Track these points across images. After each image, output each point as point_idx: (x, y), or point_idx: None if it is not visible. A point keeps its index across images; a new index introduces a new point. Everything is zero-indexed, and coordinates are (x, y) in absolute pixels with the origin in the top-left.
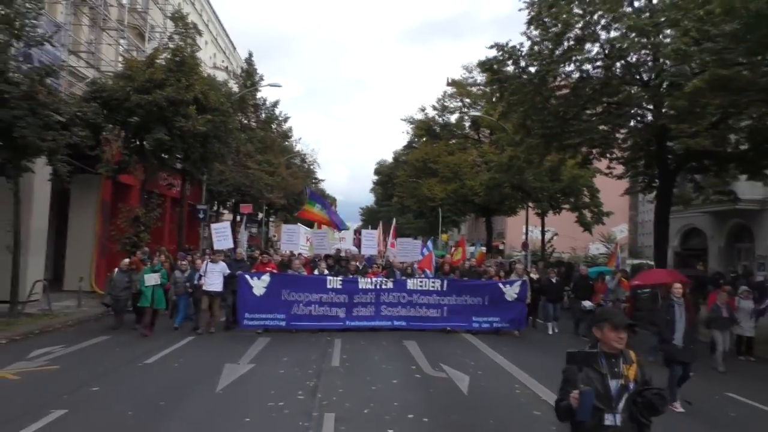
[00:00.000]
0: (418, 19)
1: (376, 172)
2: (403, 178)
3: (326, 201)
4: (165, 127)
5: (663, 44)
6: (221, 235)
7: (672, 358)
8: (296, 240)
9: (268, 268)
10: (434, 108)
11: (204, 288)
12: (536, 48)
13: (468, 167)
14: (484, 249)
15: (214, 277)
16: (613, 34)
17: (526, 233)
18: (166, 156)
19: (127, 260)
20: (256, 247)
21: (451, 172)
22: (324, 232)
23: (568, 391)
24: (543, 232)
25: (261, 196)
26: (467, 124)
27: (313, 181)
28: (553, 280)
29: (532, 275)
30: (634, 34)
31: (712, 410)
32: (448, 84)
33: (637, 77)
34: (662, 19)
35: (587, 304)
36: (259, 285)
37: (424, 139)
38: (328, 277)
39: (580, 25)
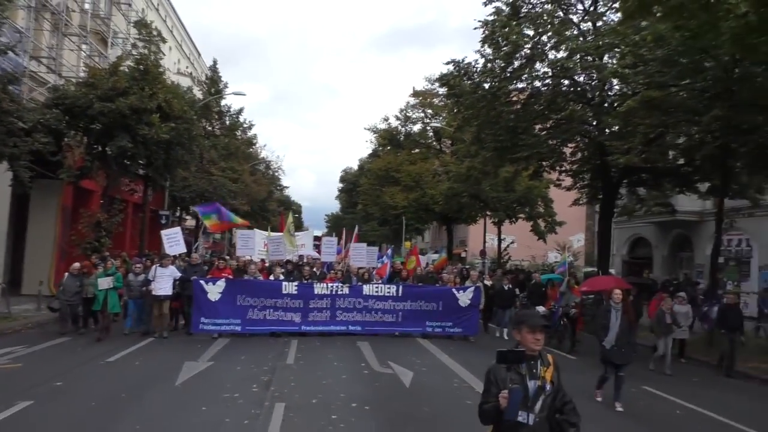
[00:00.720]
0: (386, 26)
1: (342, 179)
2: (366, 186)
3: (214, 206)
4: (128, 134)
5: (604, 66)
6: (172, 240)
7: (605, 360)
8: (252, 245)
9: (223, 274)
10: (397, 118)
11: (153, 293)
12: (489, 65)
13: (429, 176)
14: (445, 255)
15: (163, 281)
16: (560, 54)
17: (484, 241)
18: (129, 162)
19: (77, 264)
20: (219, 252)
21: (413, 181)
22: (280, 238)
23: (493, 393)
24: (499, 241)
25: (224, 202)
26: (430, 134)
27: (278, 187)
28: (506, 287)
29: (486, 282)
30: (578, 56)
31: (633, 406)
32: (411, 95)
33: (582, 96)
34: (601, 43)
35: (541, 309)
36: (214, 290)
37: (388, 148)
38: (284, 283)
39: (529, 45)
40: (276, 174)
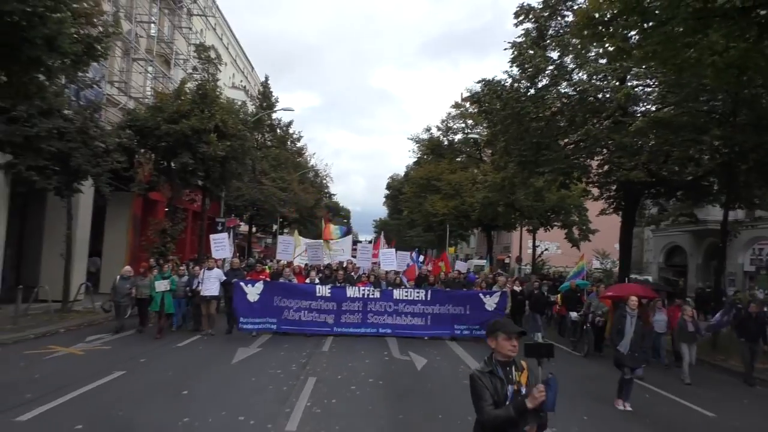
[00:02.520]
0: (439, 31)
1: (388, 186)
2: (409, 193)
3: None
4: (189, 151)
5: (618, 88)
6: (219, 244)
7: (619, 363)
8: (290, 251)
9: (261, 276)
10: (438, 128)
11: (202, 293)
12: (515, 85)
13: (469, 185)
14: (477, 262)
15: (210, 283)
16: (582, 75)
17: (520, 248)
18: (190, 176)
19: (128, 268)
20: (265, 257)
21: (453, 190)
22: (319, 244)
23: (488, 397)
24: (534, 247)
25: (274, 210)
26: (471, 142)
27: (326, 195)
28: (536, 292)
29: (515, 287)
30: (595, 77)
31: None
32: (452, 106)
33: (598, 114)
34: (618, 66)
35: (573, 315)
36: (253, 291)
37: (430, 157)
38: (318, 286)
39: (551, 67)
40: (324, 182)
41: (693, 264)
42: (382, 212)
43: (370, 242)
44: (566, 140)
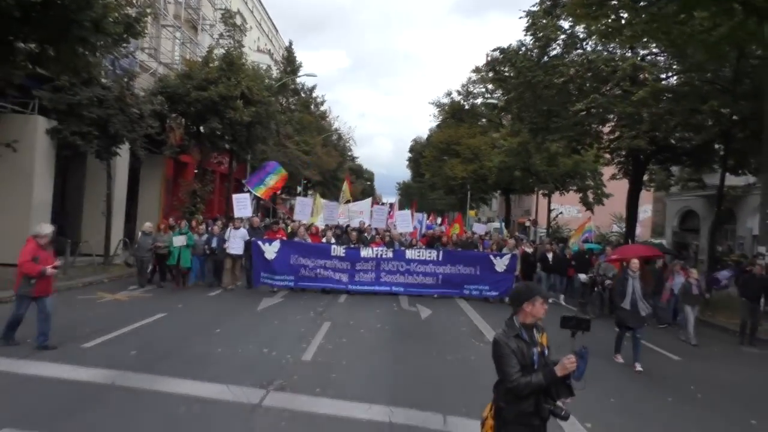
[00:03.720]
0: None
1: (411, 149)
2: (429, 157)
3: (262, 169)
4: (217, 117)
5: (624, 58)
6: (241, 204)
7: (622, 323)
8: (307, 212)
9: (278, 235)
10: (458, 93)
11: (228, 251)
12: (528, 54)
13: (488, 149)
14: (495, 225)
15: (235, 242)
16: (591, 45)
17: (536, 211)
18: (218, 140)
19: (149, 224)
20: (289, 218)
21: (472, 154)
22: (334, 204)
23: (515, 363)
24: (549, 211)
25: (298, 172)
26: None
27: (349, 158)
28: (549, 255)
29: (527, 249)
30: (602, 48)
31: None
32: (473, 70)
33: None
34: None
35: (582, 276)
36: (270, 250)
37: (450, 121)
38: (333, 246)
39: (563, 37)
40: (347, 145)
41: (705, 228)
42: (407, 175)
43: (383, 204)
44: (576, 108)
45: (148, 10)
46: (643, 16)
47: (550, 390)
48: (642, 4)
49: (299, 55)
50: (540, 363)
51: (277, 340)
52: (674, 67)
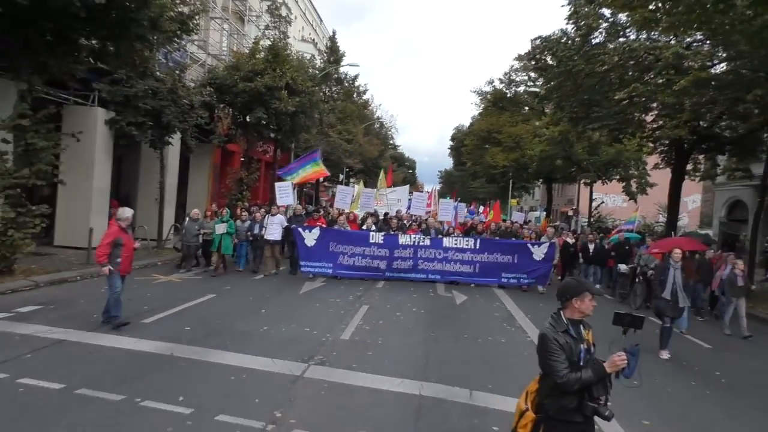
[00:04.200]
0: None
1: (452, 137)
2: (470, 146)
3: (302, 158)
4: (263, 107)
5: (667, 46)
6: (283, 192)
7: (661, 312)
8: (348, 200)
9: (318, 223)
10: (501, 81)
11: (265, 237)
12: (569, 43)
13: (529, 137)
14: (537, 214)
15: (273, 228)
16: (634, 35)
17: (578, 201)
18: (263, 129)
19: (196, 210)
20: (331, 205)
21: (514, 142)
22: (371, 192)
23: (563, 359)
24: (590, 200)
25: (340, 161)
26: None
27: (390, 146)
28: (590, 246)
29: (568, 239)
30: (647, 37)
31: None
32: (516, 58)
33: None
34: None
35: (623, 267)
36: (310, 237)
37: (491, 109)
38: (371, 233)
39: (605, 25)
40: (389, 133)
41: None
42: (449, 163)
43: (421, 192)
44: (618, 96)
45: (199, 6)
46: (680, 7)
47: (591, 387)
48: None
49: (343, 43)
50: (586, 360)
51: (318, 321)
52: (719, 54)
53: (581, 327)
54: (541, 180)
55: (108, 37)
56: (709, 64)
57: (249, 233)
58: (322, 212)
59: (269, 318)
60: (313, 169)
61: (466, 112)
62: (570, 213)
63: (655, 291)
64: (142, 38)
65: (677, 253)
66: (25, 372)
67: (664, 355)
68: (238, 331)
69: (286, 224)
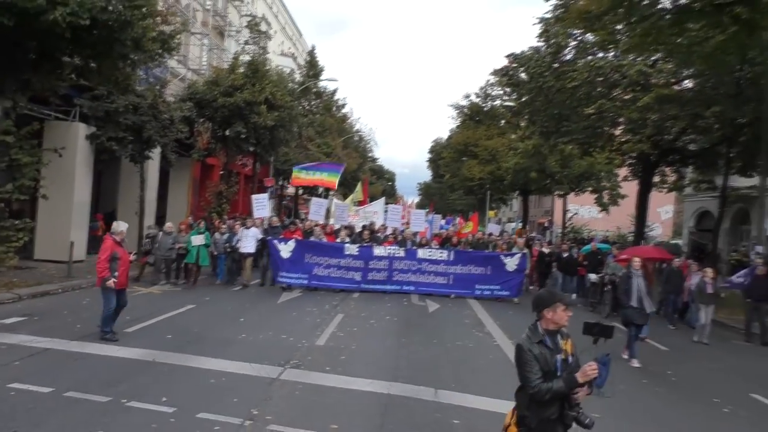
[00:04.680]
0: None
1: (430, 150)
2: (447, 158)
3: (327, 164)
4: (242, 121)
5: (631, 65)
6: (260, 204)
7: (627, 321)
8: (322, 212)
9: (294, 235)
10: (477, 95)
11: (240, 250)
12: (540, 60)
13: (505, 150)
14: (515, 225)
15: (247, 241)
16: (601, 53)
17: (552, 212)
18: (243, 143)
19: (170, 224)
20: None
21: (490, 155)
22: (345, 205)
23: (537, 370)
24: (564, 212)
25: None
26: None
27: (369, 159)
28: (564, 255)
29: (543, 249)
30: (614, 56)
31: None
32: (491, 73)
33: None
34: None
35: (593, 276)
36: (285, 249)
37: (468, 123)
38: (346, 245)
39: (573, 44)
40: (368, 146)
41: (721, 228)
42: (429, 175)
43: (397, 204)
44: (585, 112)
45: (180, 26)
46: (638, 30)
47: (569, 396)
48: (634, 19)
49: (323, 56)
50: (563, 370)
51: (294, 328)
52: (681, 72)
53: (558, 337)
54: (517, 192)
55: (91, 56)
56: (673, 81)
57: (228, 245)
58: (299, 224)
59: (247, 326)
60: (329, 179)
61: (446, 124)
62: (546, 224)
63: (621, 300)
64: (125, 57)
65: (636, 261)
66: (15, 377)
67: (635, 363)
68: (217, 339)
69: (261, 237)
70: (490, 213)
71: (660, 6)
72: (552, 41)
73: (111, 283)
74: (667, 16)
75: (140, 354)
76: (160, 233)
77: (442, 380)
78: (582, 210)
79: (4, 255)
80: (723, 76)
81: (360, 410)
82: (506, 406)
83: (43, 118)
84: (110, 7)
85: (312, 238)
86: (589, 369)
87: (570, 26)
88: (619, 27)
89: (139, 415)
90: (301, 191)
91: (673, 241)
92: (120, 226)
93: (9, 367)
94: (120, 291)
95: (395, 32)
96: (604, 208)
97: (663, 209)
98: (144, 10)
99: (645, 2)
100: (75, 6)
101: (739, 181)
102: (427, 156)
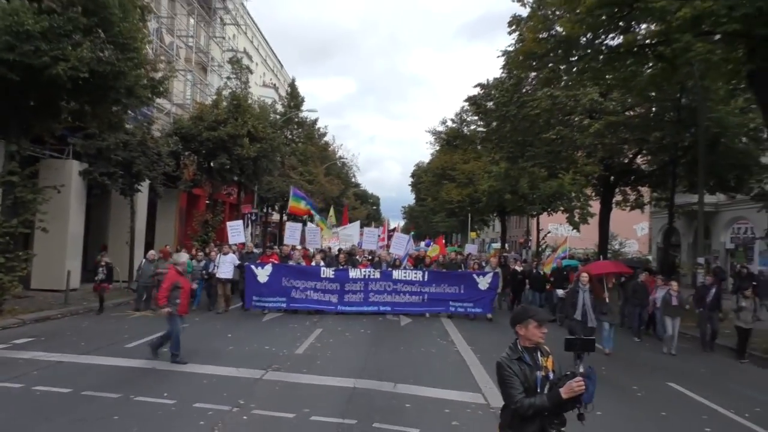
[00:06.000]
0: (477, 13)
1: (412, 174)
2: (427, 182)
3: (309, 198)
4: (226, 153)
5: (585, 93)
6: (235, 231)
7: (572, 332)
8: (297, 236)
9: (271, 259)
10: (453, 121)
11: (218, 276)
12: (503, 92)
13: (481, 173)
14: (496, 246)
15: (225, 267)
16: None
17: (527, 232)
18: (227, 174)
19: (152, 252)
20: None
21: (467, 178)
22: (316, 229)
23: (518, 385)
24: (538, 231)
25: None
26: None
27: (352, 184)
28: (534, 272)
29: (516, 267)
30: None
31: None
32: (465, 100)
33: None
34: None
35: (560, 292)
36: (262, 273)
37: (445, 147)
38: (322, 268)
39: (533, 75)
40: (351, 172)
41: (685, 243)
42: (413, 198)
43: (373, 227)
44: (546, 136)
45: (168, 72)
46: (574, 69)
47: (554, 412)
48: (573, 59)
49: (307, 84)
50: (543, 386)
51: (277, 341)
52: (628, 101)
53: (539, 354)
54: (495, 213)
55: (87, 102)
56: (621, 109)
57: (204, 272)
58: (276, 249)
59: (235, 340)
60: (306, 207)
61: (428, 148)
62: (523, 243)
63: (567, 312)
64: (118, 102)
65: (584, 276)
66: (37, 382)
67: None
68: (208, 350)
69: (239, 262)
70: (472, 234)
71: (593, 49)
72: (513, 73)
73: (166, 311)
74: (601, 57)
75: (142, 363)
76: (143, 261)
77: (402, 377)
78: (561, 228)
79: (9, 284)
80: (665, 104)
81: (328, 399)
82: (452, 395)
83: (39, 157)
84: (104, 58)
85: (291, 262)
86: (576, 384)
87: (515, 67)
88: (561, 67)
89: (146, 406)
90: (285, 218)
91: (644, 257)
92: (182, 257)
93: (30, 376)
94: (181, 317)
95: (376, 58)
96: (575, 226)
97: (639, 226)
98: (135, 60)
99: (580, 45)
100: (75, 61)
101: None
102: (409, 180)
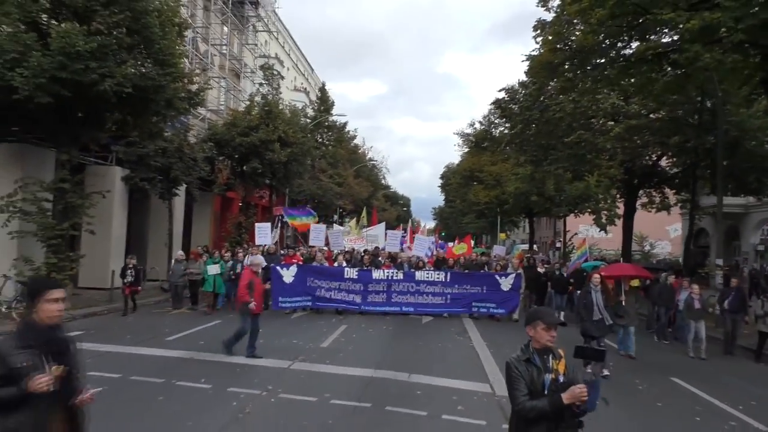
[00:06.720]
0: (509, 13)
1: (441, 175)
2: (454, 184)
3: (304, 209)
4: (258, 158)
5: (606, 98)
6: (262, 232)
7: (586, 333)
8: (322, 238)
9: (294, 260)
10: (481, 123)
11: None
12: (526, 96)
13: (509, 175)
14: (523, 247)
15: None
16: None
17: (554, 233)
18: (259, 177)
19: (181, 252)
20: (326, 244)
21: (494, 180)
22: (339, 231)
23: (522, 387)
24: (564, 233)
25: (331, 203)
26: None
27: (381, 186)
28: (557, 274)
29: (539, 269)
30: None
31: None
32: (491, 104)
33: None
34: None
35: (579, 293)
36: (288, 274)
37: (474, 150)
38: (346, 269)
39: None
40: (380, 174)
41: (714, 244)
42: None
43: (397, 230)
44: (569, 140)
45: (205, 84)
46: (590, 78)
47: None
48: (588, 68)
49: (338, 86)
50: (551, 390)
51: (304, 335)
52: (650, 105)
53: (550, 357)
54: (523, 215)
55: (130, 113)
56: (644, 112)
57: (231, 272)
58: (302, 250)
59: (266, 335)
60: (309, 221)
61: (457, 150)
62: (558, 244)
63: (581, 314)
64: (158, 113)
65: (596, 277)
66: (89, 369)
67: (605, 371)
68: (241, 344)
69: (265, 264)
70: (502, 235)
71: (607, 57)
72: (535, 79)
73: (253, 306)
74: (615, 65)
75: (181, 354)
76: (173, 262)
77: (417, 368)
78: (591, 230)
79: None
80: (686, 107)
81: (348, 386)
82: (461, 384)
83: (85, 164)
84: (146, 74)
85: (314, 263)
86: (579, 391)
87: (533, 76)
88: (576, 73)
89: (186, 389)
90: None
91: (674, 258)
92: (258, 259)
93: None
94: (254, 316)
95: (407, 59)
96: (602, 228)
97: (672, 227)
98: (173, 74)
99: (595, 53)
100: (120, 78)
101: (728, 200)
102: (439, 181)
